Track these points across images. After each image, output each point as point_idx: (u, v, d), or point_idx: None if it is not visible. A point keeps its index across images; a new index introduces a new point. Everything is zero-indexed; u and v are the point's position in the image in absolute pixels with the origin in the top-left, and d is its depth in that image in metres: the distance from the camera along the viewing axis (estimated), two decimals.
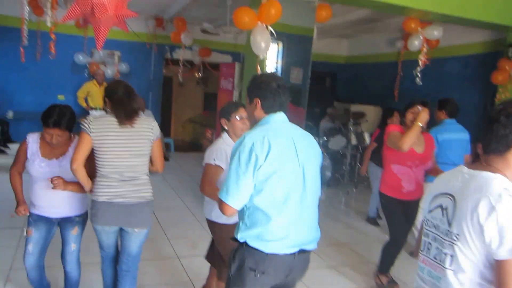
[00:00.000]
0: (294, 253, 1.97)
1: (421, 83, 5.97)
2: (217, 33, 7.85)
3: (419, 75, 5.96)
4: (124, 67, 8.77)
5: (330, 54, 10.14)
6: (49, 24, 3.50)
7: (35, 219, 2.75)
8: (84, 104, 8.02)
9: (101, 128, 2.52)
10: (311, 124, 6.15)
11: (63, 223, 2.79)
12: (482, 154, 1.52)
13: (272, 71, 4.76)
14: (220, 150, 2.70)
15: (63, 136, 2.62)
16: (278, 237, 1.92)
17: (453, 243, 1.49)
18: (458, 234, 1.47)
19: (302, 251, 2.00)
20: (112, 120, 2.55)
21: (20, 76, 8.20)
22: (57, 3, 3.59)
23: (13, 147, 7.71)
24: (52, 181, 2.56)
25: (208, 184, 2.67)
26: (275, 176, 1.89)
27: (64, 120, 2.56)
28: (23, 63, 6.40)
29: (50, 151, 2.69)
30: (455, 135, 4.33)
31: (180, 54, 8.79)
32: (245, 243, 1.95)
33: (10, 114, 7.85)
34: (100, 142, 2.51)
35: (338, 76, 10.72)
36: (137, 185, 2.62)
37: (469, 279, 1.45)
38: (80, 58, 8.49)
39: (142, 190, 2.64)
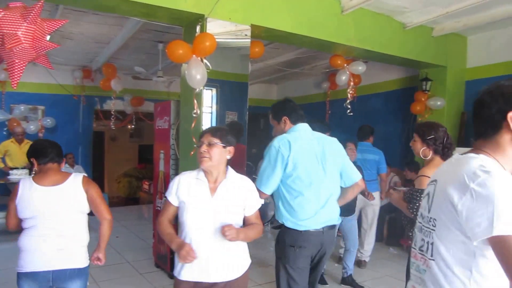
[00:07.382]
0: (322, 229, 2.53)
1: (351, 114, 6.28)
2: (150, 78, 7.68)
3: (349, 107, 6.26)
4: (49, 121, 8.10)
5: (262, 98, 10.36)
6: None
7: None
8: (1, 165, 7.17)
9: None
10: (250, 164, 6.06)
11: None
12: (473, 140, 1.40)
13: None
14: None
15: None
16: (308, 216, 2.48)
17: (431, 229, 1.37)
18: (435, 219, 1.36)
19: (328, 227, 2.57)
20: None
21: None
22: None
23: None
24: None
25: None
26: (299, 166, 2.48)
27: None
28: None
29: None
30: (367, 156, 5.07)
31: (111, 104, 8.43)
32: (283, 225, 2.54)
33: None
34: None
35: None
36: None
37: (451, 268, 1.30)
38: None
39: None
